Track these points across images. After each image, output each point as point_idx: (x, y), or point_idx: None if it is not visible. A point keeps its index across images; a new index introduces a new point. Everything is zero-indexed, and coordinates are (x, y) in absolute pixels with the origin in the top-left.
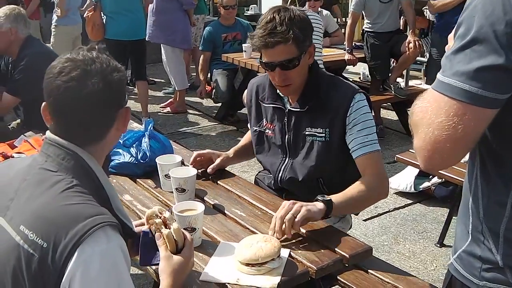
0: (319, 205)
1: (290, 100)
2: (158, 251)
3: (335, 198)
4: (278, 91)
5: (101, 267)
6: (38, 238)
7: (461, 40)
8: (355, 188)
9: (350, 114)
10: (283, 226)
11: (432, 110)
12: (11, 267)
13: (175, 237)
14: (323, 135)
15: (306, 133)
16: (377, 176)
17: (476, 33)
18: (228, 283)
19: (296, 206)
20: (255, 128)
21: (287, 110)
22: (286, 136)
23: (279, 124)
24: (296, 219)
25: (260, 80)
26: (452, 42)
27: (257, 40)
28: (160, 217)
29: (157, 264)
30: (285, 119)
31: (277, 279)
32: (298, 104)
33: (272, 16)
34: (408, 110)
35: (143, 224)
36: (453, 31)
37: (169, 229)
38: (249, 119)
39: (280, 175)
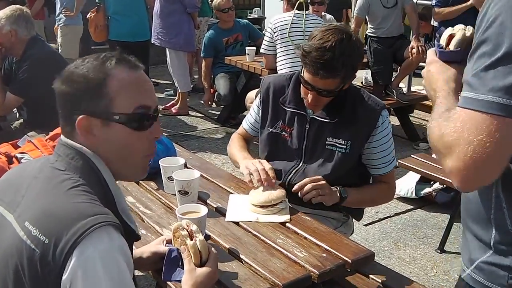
0: (335, 196)
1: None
2: (182, 269)
3: (351, 195)
4: (302, 96)
5: (104, 267)
6: (40, 234)
7: (490, 57)
8: (371, 190)
9: (376, 134)
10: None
11: (469, 129)
12: (13, 263)
13: (200, 249)
14: (344, 147)
15: (327, 142)
16: (390, 187)
17: (508, 48)
18: (250, 221)
19: (321, 191)
20: (270, 130)
21: (309, 117)
22: (305, 142)
23: (299, 129)
24: (311, 199)
25: (277, 80)
26: (432, 57)
27: (309, 62)
28: (187, 230)
29: (179, 281)
30: (307, 125)
31: (288, 216)
32: (325, 114)
33: (333, 43)
34: (410, 116)
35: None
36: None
37: (195, 241)
38: (261, 119)
39: (290, 177)
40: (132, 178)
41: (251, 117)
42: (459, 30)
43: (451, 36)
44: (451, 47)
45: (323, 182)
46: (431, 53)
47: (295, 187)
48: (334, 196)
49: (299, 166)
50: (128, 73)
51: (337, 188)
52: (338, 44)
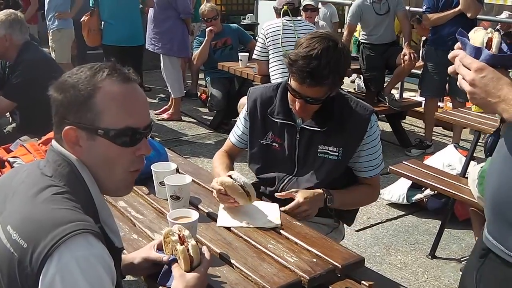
0: (319, 203)
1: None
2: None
3: (336, 199)
4: (289, 106)
5: (82, 274)
6: (20, 238)
7: None
8: (355, 192)
9: (366, 137)
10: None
11: None
12: None
13: (192, 254)
14: (336, 154)
15: (319, 150)
16: (375, 188)
17: None
18: (241, 227)
19: (304, 213)
20: (261, 141)
21: (299, 127)
22: (296, 152)
23: (289, 140)
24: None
25: (264, 92)
26: (474, 61)
27: (295, 71)
28: (179, 235)
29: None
30: (297, 135)
31: (279, 221)
32: (315, 123)
33: (319, 52)
34: (402, 122)
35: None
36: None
37: (186, 246)
38: (250, 131)
39: (283, 185)
40: (115, 194)
41: (238, 130)
42: (491, 33)
43: (489, 39)
44: (496, 50)
45: (304, 207)
46: (469, 59)
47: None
48: (318, 204)
49: (291, 176)
50: (118, 86)
51: (323, 192)
52: (325, 52)
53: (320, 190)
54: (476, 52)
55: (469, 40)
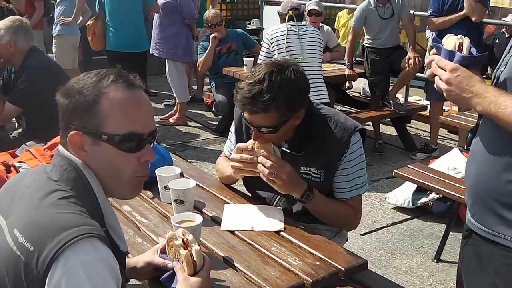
0: (294, 188)
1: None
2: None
3: (317, 200)
4: None
5: (88, 278)
6: (26, 242)
7: None
8: (337, 206)
9: (344, 157)
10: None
11: None
12: (1, 269)
13: (195, 259)
14: (318, 176)
15: (301, 171)
16: (354, 212)
17: None
18: (245, 230)
19: (275, 177)
20: None
21: (280, 149)
22: None
23: None
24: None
25: None
26: (448, 63)
27: (240, 98)
28: (183, 239)
29: None
30: (279, 156)
31: (282, 224)
32: (291, 148)
33: (263, 76)
34: (407, 126)
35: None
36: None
37: (190, 251)
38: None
39: (275, 204)
40: (121, 197)
41: (230, 144)
42: (461, 38)
43: (460, 44)
44: (466, 53)
45: (284, 173)
46: (444, 61)
47: (260, 159)
48: (294, 186)
49: (280, 195)
50: (123, 92)
51: (306, 187)
52: (267, 77)
53: (306, 184)
54: (450, 55)
55: (442, 45)
